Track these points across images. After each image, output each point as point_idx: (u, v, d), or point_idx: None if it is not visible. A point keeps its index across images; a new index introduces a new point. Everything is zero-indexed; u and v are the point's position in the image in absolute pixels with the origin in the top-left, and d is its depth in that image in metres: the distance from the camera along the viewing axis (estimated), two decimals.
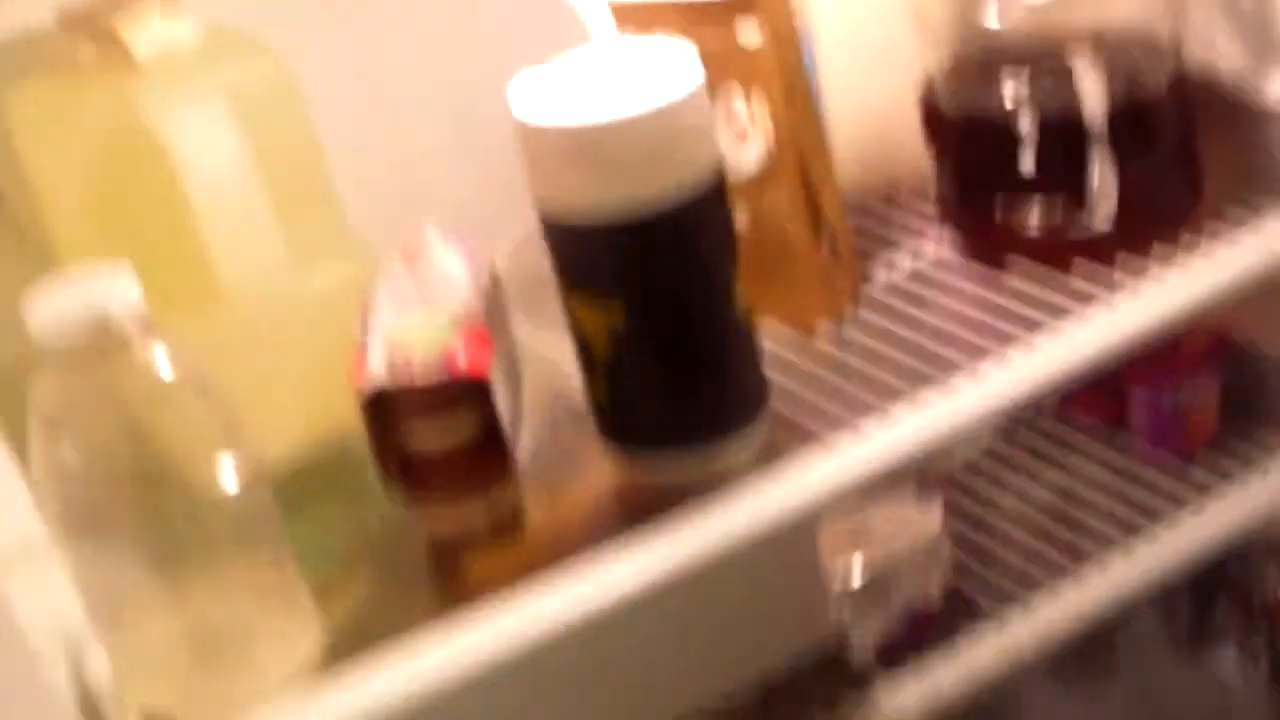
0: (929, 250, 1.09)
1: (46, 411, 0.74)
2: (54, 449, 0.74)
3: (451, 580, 0.91)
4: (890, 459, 0.90)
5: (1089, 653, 1.30)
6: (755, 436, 0.90)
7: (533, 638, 0.82)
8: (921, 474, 1.22)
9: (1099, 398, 1.22)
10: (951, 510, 1.18)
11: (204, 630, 0.79)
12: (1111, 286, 0.98)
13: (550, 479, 0.94)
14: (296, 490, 0.93)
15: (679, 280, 0.85)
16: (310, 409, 0.93)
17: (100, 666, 0.81)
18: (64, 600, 0.79)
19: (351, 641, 0.82)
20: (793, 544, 0.94)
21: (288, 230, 0.93)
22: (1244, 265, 1.00)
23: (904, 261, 1.09)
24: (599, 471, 0.92)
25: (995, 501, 1.20)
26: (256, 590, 0.80)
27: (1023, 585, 1.08)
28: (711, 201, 0.85)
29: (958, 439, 0.94)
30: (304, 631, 0.82)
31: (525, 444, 0.93)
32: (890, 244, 1.11)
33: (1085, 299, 0.98)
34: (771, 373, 0.96)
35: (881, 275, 1.08)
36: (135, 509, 0.75)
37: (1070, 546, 1.13)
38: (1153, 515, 1.12)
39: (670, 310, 0.85)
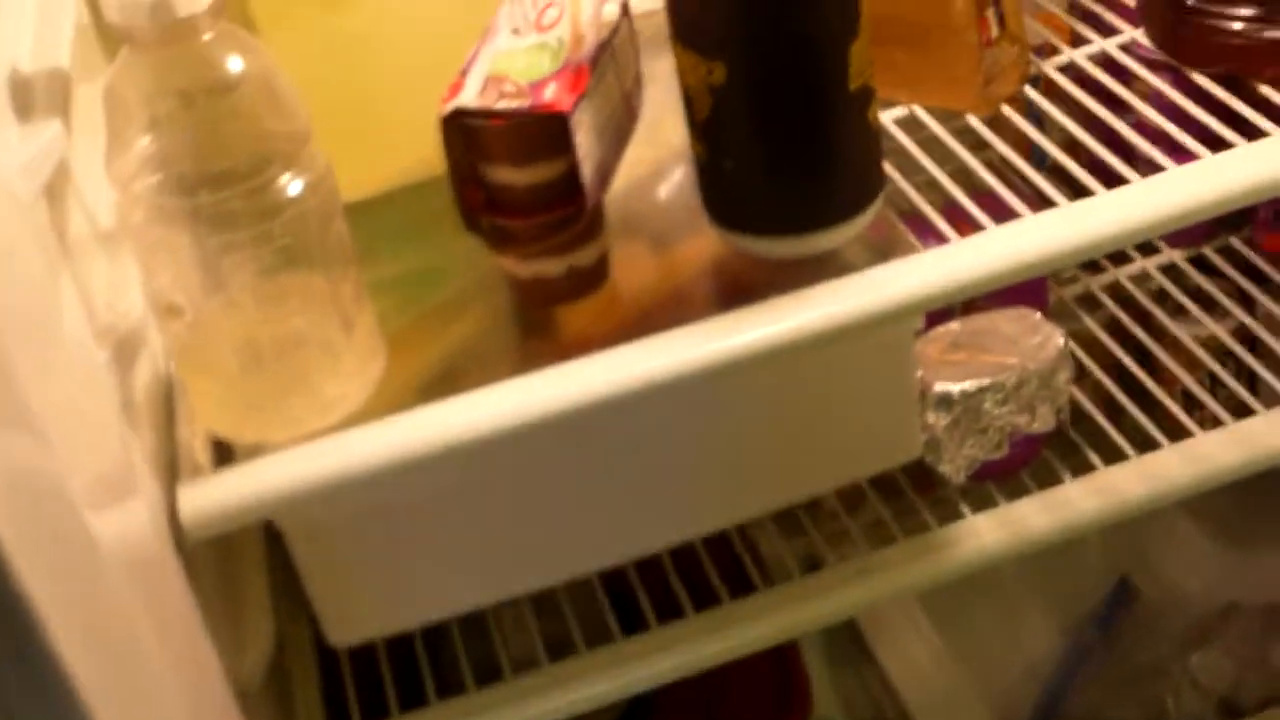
0: (1115, 36, 1.01)
1: (114, 92, 0.72)
2: (121, 130, 0.72)
3: (531, 333, 0.88)
4: (1006, 264, 0.82)
5: (1249, 515, 1.24)
6: (857, 227, 0.83)
7: (607, 399, 0.78)
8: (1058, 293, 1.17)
9: None
10: (1112, 334, 1.12)
11: (255, 343, 0.77)
12: None
13: (653, 240, 0.90)
14: (394, 224, 0.92)
15: (782, 46, 0.78)
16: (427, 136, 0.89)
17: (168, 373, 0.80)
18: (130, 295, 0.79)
19: (427, 383, 0.79)
20: (888, 350, 0.88)
21: None
22: None
23: (1083, 46, 1.01)
24: (705, 239, 0.87)
25: (1163, 331, 1.13)
26: (316, 309, 0.78)
27: (1157, 427, 1.02)
28: None
29: (1081, 255, 0.85)
30: (364, 362, 0.79)
31: (626, 196, 0.88)
32: (1078, 23, 1.03)
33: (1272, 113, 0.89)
34: (915, 158, 0.90)
35: (1057, 59, 1.00)
36: (191, 201, 0.72)
37: (1226, 393, 1.05)
38: None
39: (770, 76, 0.79)
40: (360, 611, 0.84)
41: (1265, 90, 0.92)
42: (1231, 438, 1.00)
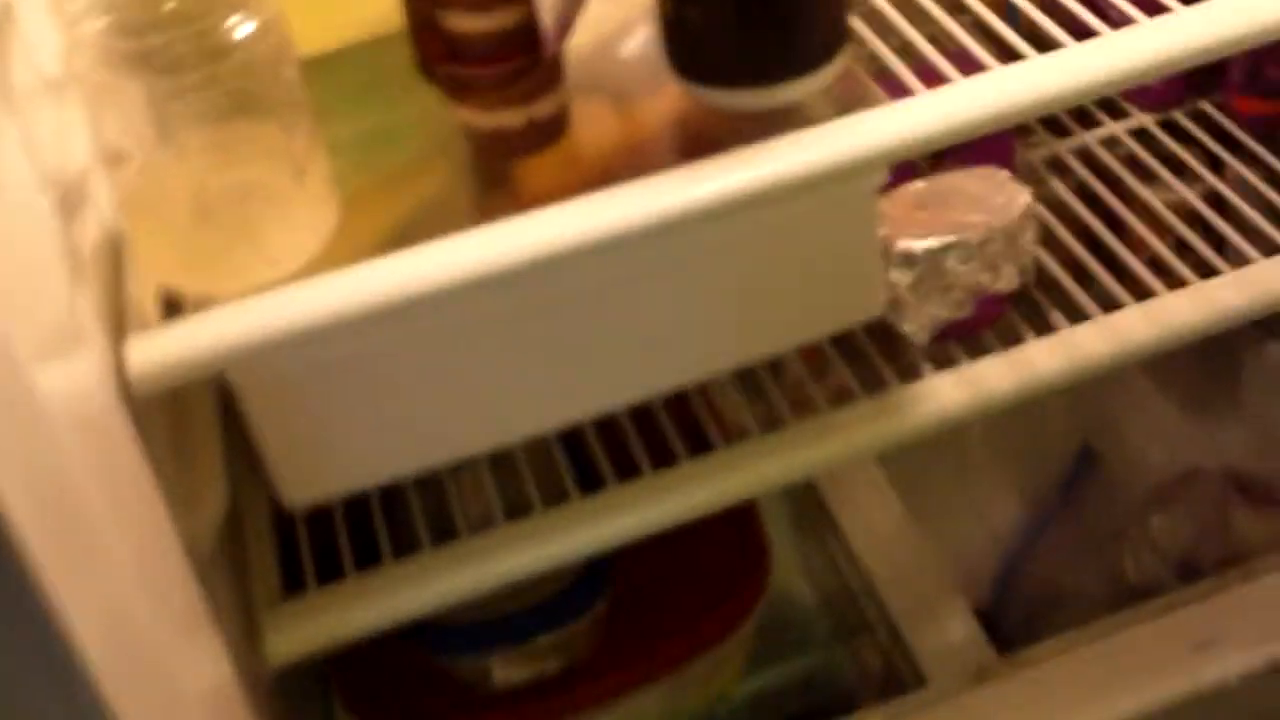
0: None
1: None
2: None
3: (491, 189, 0.86)
4: (968, 116, 0.81)
5: (1211, 381, 1.24)
6: (822, 79, 0.82)
7: (562, 252, 0.76)
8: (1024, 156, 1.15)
9: (1256, 93, 1.11)
10: (1080, 198, 1.11)
11: (204, 192, 0.75)
12: None
13: (617, 96, 0.88)
14: (351, 80, 0.90)
15: None
16: None
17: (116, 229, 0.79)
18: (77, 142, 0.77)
19: (385, 241, 0.77)
20: (850, 205, 0.87)
21: None
22: None
23: None
24: (669, 95, 0.85)
25: (1132, 196, 1.12)
26: (266, 157, 0.76)
27: (1126, 291, 1.01)
28: None
29: (1041, 108, 0.84)
30: (316, 213, 0.78)
31: (587, 49, 0.86)
32: None
33: None
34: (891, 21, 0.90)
35: None
36: (139, 43, 0.70)
37: (1195, 258, 1.04)
38: None
39: None
40: (313, 471, 0.83)
41: None
42: (1194, 298, 0.99)
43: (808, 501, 1.22)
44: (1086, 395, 1.22)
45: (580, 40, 0.87)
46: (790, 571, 1.21)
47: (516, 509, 0.92)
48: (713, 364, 0.90)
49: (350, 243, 0.78)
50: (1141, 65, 0.83)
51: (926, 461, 1.17)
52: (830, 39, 0.83)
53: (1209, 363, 1.22)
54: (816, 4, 0.81)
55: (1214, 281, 1.00)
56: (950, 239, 0.93)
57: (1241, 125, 1.15)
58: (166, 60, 0.70)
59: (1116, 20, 0.86)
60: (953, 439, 1.15)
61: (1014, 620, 1.16)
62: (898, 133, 0.80)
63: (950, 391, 0.96)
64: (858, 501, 1.20)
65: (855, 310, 0.92)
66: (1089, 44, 0.83)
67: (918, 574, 1.15)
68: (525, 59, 0.81)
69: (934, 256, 0.93)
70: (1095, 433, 1.24)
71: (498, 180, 0.86)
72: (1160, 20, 0.84)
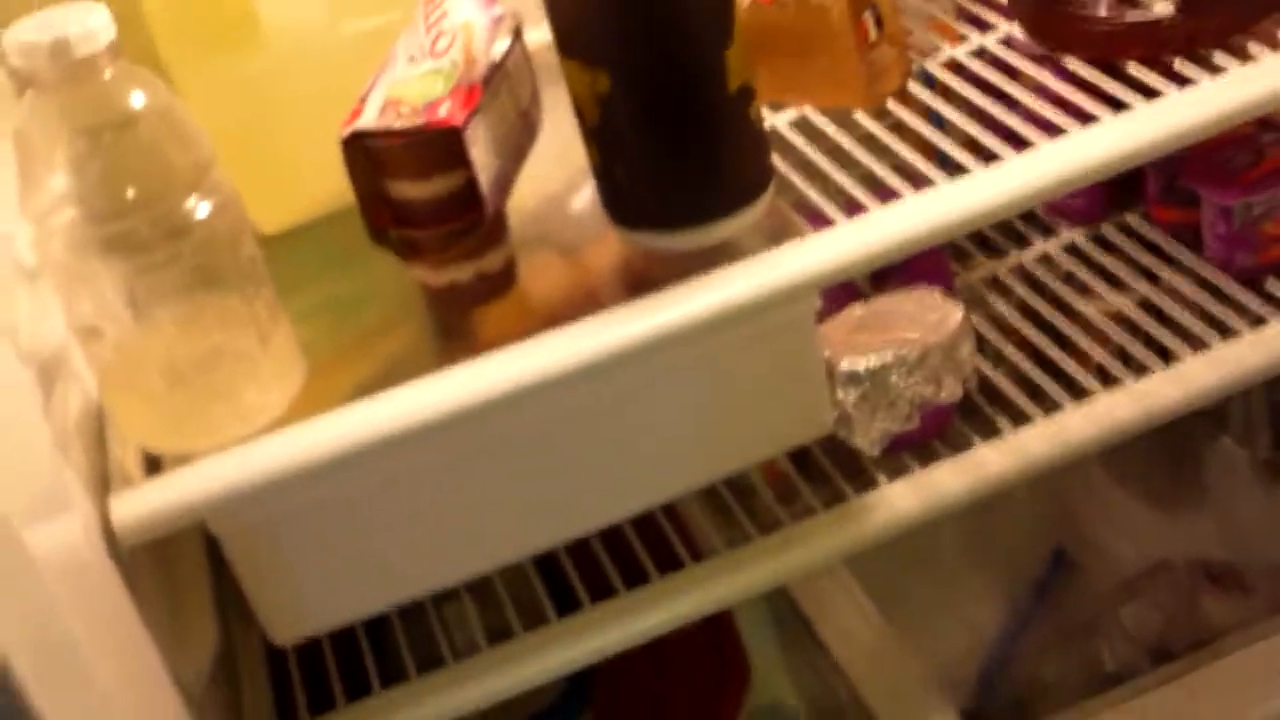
0: (995, 31, 1.07)
1: (23, 134, 0.77)
2: (33, 170, 0.77)
3: (452, 341, 0.93)
4: (884, 241, 0.88)
5: (1174, 477, 1.29)
6: (750, 217, 0.89)
7: (515, 389, 0.83)
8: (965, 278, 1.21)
9: (1172, 203, 1.17)
10: (1024, 315, 1.17)
11: (176, 360, 0.81)
12: (1171, 78, 0.94)
13: (563, 248, 0.95)
14: (313, 254, 0.97)
15: (659, 54, 0.84)
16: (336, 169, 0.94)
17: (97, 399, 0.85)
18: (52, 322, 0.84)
19: (355, 397, 0.84)
20: (790, 331, 0.93)
21: None
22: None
23: (967, 41, 1.07)
24: (612, 243, 0.92)
25: (1068, 306, 1.17)
26: (232, 325, 0.82)
27: (1066, 393, 1.06)
28: None
29: (962, 228, 0.91)
30: (283, 373, 0.84)
31: (535, 206, 0.94)
32: (958, 22, 1.10)
33: (1143, 90, 0.94)
34: (806, 154, 0.96)
35: (940, 54, 1.06)
36: (105, 230, 0.77)
37: (1124, 354, 1.10)
38: (1222, 329, 1.08)
39: (651, 82, 0.84)
40: (297, 609, 0.89)
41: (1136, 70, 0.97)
42: (1130, 395, 1.04)
43: (792, 618, 1.27)
44: (1056, 497, 1.28)
45: (528, 199, 0.96)
46: (778, 683, 1.25)
47: (497, 633, 0.97)
48: (675, 485, 0.96)
49: (320, 401, 0.84)
50: (1040, 186, 0.90)
51: (908, 571, 1.22)
52: (752, 180, 0.89)
53: (1171, 460, 1.27)
54: (734, 151, 0.88)
55: (1147, 379, 1.05)
56: (890, 357, 0.99)
57: (1165, 233, 1.21)
58: (132, 243, 0.77)
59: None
60: (930, 547, 1.21)
61: (999, 719, 1.20)
62: (819, 261, 0.88)
63: (904, 498, 1.01)
64: (836, 612, 1.24)
65: (805, 428, 0.97)
66: (990, 170, 0.91)
67: (902, 680, 1.19)
68: (467, 219, 0.88)
69: (876, 374, 0.99)
70: (1066, 533, 1.28)
71: (457, 332, 0.93)
72: (1054, 144, 0.92)
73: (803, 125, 1.04)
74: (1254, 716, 1.12)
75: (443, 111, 0.86)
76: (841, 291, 1.04)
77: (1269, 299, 1.11)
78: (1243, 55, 0.95)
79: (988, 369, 1.10)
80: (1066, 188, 0.91)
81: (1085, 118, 0.93)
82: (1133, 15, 0.98)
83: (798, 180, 0.98)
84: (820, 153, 1.01)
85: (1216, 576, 1.22)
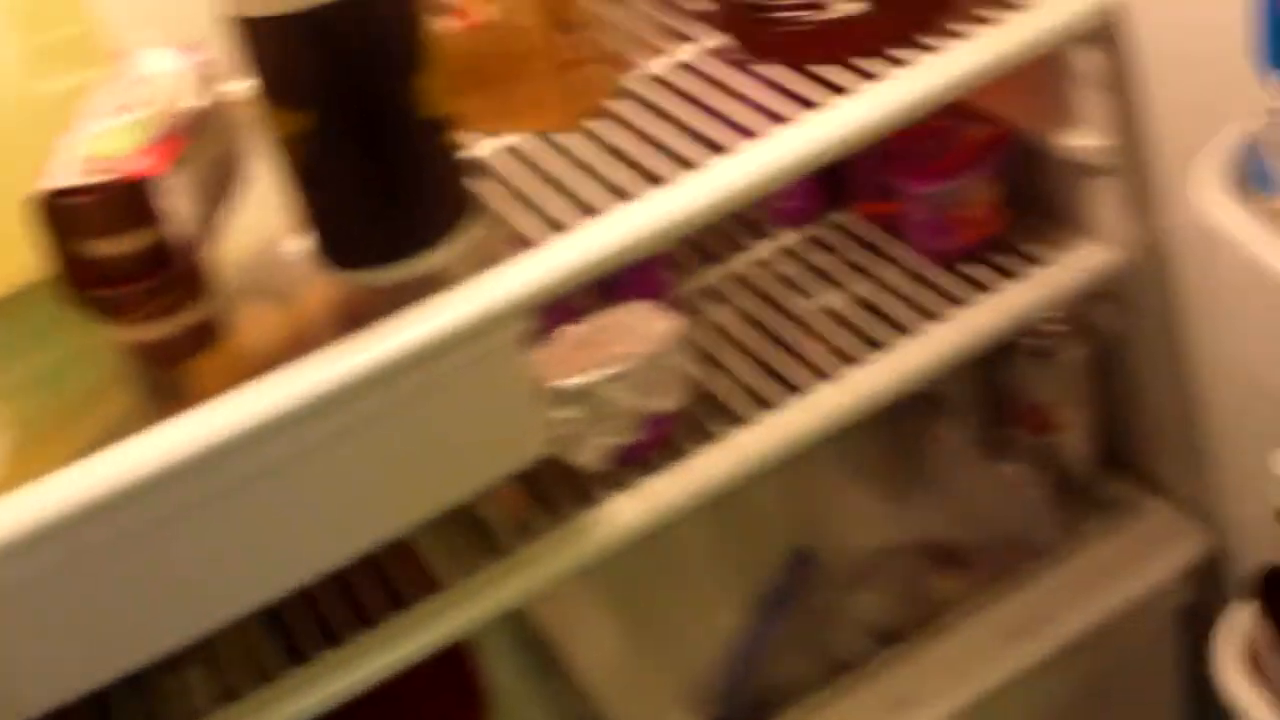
0: (699, 43, 1.09)
1: None
2: None
3: (166, 397, 0.89)
4: (576, 263, 0.90)
5: (901, 465, 1.32)
6: (457, 247, 0.88)
7: (221, 445, 0.81)
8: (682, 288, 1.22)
9: (876, 198, 1.20)
10: (744, 319, 1.18)
11: None
12: (860, 74, 0.98)
13: (281, 296, 0.94)
14: (6, 333, 0.93)
15: (343, 87, 0.83)
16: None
17: None
18: None
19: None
20: (490, 357, 0.91)
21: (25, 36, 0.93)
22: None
23: (671, 55, 1.08)
24: (328, 285, 0.91)
25: (781, 305, 1.19)
26: None
27: (786, 390, 1.08)
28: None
29: (662, 238, 0.91)
30: None
31: (239, 257, 0.92)
32: (661, 37, 1.11)
33: (832, 87, 0.98)
34: (512, 177, 0.97)
35: (647, 68, 1.07)
36: None
37: (840, 349, 1.12)
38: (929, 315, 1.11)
39: (343, 118, 0.83)
40: (10, 692, 0.85)
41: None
42: (843, 386, 1.06)
43: (535, 640, 1.26)
44: (796, 498, 1.29)
45: (241, 249, 0.94)
46: (524, 712, 1.25)
47: (226, 694, 0.94)
48: (391, 524, 0.94)
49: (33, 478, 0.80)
50: (731, 192, 0.93)
51: (657, 583, 1.23)
52: (452, 209, 0.89)
53: (898, 449, 1.30)
54: (429, 181, 0.87)
55: (860, 370, 1.08)
56: (603, 372, 1.00)
57: (871, 224, 1.24)
58: None
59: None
60: (678, 557, 1.21)
61: None
62: (522, 283, 0.89)
63: (625, 511, 1.01)
64: (582, 633, 1.24)
65: (519, 455, 0.96)
66: (685, 180, 0.93)
67: (646, 697, 1.19)
68: (164, 273, 0.86)
69: (590, 390, 0.99)
70: (806, 531, 1.30)
71: (169, 390, 0.90)
72: (749, 150, 0.94)
73: (516, 153, 1.03)
74: (975, 685, 1.16)
75: (135, 165, 0.84)
76: (560, 308, 1.03)
77: (966, 279, 1.14)
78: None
79: (708, 377, 1.11)
80: (760, 190, 0.93)
81: (782, 121, 0.96)
82: (819, 16, 1.00)
83: (512, 209, 0.97)
84: (536, 180, 0.99)
85: (941, 556, 1.25)
